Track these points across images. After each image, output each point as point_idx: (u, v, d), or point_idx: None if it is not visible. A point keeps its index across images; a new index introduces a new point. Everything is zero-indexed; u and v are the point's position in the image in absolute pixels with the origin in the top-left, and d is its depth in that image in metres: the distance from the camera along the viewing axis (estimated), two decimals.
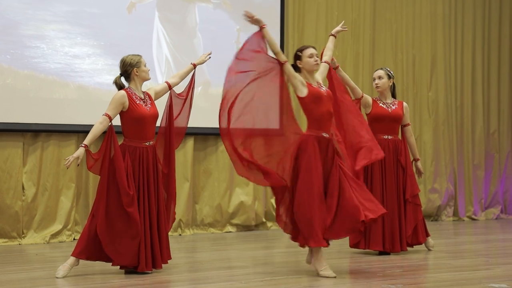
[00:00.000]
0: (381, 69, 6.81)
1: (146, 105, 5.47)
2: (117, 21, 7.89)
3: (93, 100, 7.69)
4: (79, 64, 7.66)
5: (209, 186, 8.55)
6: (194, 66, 5.85)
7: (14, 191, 7.33)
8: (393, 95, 6.80)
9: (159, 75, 8.13)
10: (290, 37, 9.13)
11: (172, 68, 8.22)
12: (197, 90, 8.43)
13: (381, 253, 6.51)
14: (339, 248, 6.91)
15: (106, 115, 5.36)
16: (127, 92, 5.44)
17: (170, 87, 5.70)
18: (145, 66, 5.55)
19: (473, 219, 10.36)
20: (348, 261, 6.16)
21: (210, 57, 5.96)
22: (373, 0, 9.79)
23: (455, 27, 10.46)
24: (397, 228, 6.54)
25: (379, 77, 6.71)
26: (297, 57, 5.55)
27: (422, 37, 10.19)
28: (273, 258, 6.71)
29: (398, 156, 6.65)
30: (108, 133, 5.37)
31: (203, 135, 8.41)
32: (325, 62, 5.77)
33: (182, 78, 5.83)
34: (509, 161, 10.83)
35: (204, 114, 8.31)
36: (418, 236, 6.69)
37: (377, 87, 6.70)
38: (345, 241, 7.04)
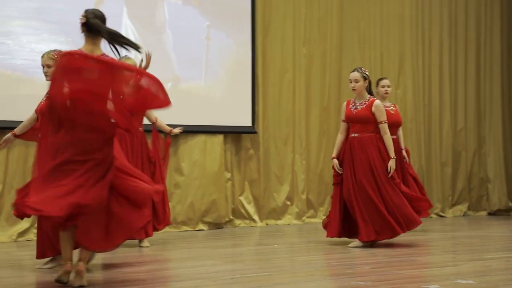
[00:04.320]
0: (357, 71, 6.94)
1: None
2: None
3: None
4: None
5: (182, 184, 8.49)
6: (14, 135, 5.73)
7: None
8: (370, 93, 6.99)
9: None
10: (260, 35, 9.12)
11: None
12: (167, 86, 8.38)
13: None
14: (310, 245, 6.93)
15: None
16: None
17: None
18: (42, 67, 5.62)
19: (441, 216, 10.46)
20: (318, 258, 6.18)
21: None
22: None
23: (422, 25, 10.54)
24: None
25: (355, 80, 6.90)
26: None
27: (389, 35, 10.25)
28: (243, 256, 6.71)
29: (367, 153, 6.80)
30: None
31: None
32: None
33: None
34: (475, 159, 10.95)
35: (174, 110, 8.25)
36: None
37: (353, 90, 6.92)
38: (318, 236, 7.07)
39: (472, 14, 10.99)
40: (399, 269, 5.67)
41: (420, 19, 10.54)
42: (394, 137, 8.14)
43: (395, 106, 8.27)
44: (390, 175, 6.78)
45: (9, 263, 5.85)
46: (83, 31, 4.78)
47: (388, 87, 8.17)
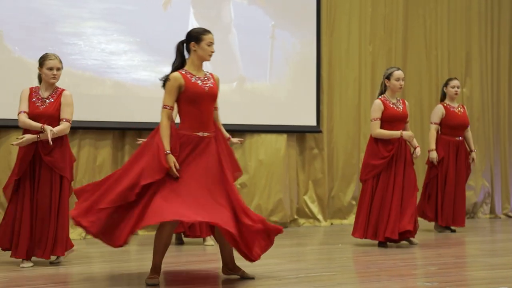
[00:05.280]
0: (401, 70, 6.97)
1: (43, 104, 5.59)
2: (153, 18, 7.94)
3: (130, 96, 7.76)
4: (115, 60, 7.73)
5: (249, 183, 8.52)
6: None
7: None
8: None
9: None
10: (324, 34, 9.08)
11: (207, 63, 8.23)
12: (232, 85, 8.47)
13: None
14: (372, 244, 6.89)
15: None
16: (29, 90, 5.67)
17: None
18: (48, 69, 5.60)
19: (510, 217, 10.24)
20: (383, 258, 6.14)
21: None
22: None
23: (491, 22, 10.33)
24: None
25: (403, 79, 6.93)
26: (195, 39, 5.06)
27: (456, 33, 10.08)
28: (307, 255, 6.71)
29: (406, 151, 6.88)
30: None
31: (239, 132, 8.32)
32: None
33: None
34: None
35: (239, 110, 8.33)
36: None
37: (401, 88, 6.89)
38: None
39: None
40: (467, 270, 5.60)
41: (489, 14, 10.33)
42: (461, 138, 8.03)
43: (463, 107, 8.14)
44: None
45: (79, 261, 5.99)
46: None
47: (458, 87, 8.06)
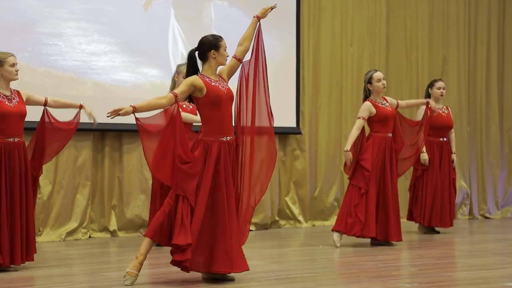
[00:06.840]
0: (378, 70, 7.12)
1: (10, 102, 5.50)
2: (134, 19, 7.91)
3: (110, 97, 7.72)
4: (96, 61, 7.69)
5: None
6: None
7: None
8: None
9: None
10: (306, 36, 9.10)
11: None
12: None
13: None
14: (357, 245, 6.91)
15: None
16: None
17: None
18: (11, 66, 5.51)
19: (487, 218, 10.31)
20: (364, 259, 6.16)
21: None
22: None
23: (469, 24, 10.39)
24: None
25: (384, 78, 7.04)
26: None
27: (434, 35, 10.11)
28: (289, 256, 6.72)
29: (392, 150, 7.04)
30: None
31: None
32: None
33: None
34: None
35: None
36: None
37: (384, 87, 7.01)
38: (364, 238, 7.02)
39: None
40: (446, 271, 5.63)
41: (467, 16, 10.39)
42: (445, 139, 8.06)
43: (447, 109, 8.18)
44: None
45: (58, 262, 5.96)
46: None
47: (444, 89, 8.08)
